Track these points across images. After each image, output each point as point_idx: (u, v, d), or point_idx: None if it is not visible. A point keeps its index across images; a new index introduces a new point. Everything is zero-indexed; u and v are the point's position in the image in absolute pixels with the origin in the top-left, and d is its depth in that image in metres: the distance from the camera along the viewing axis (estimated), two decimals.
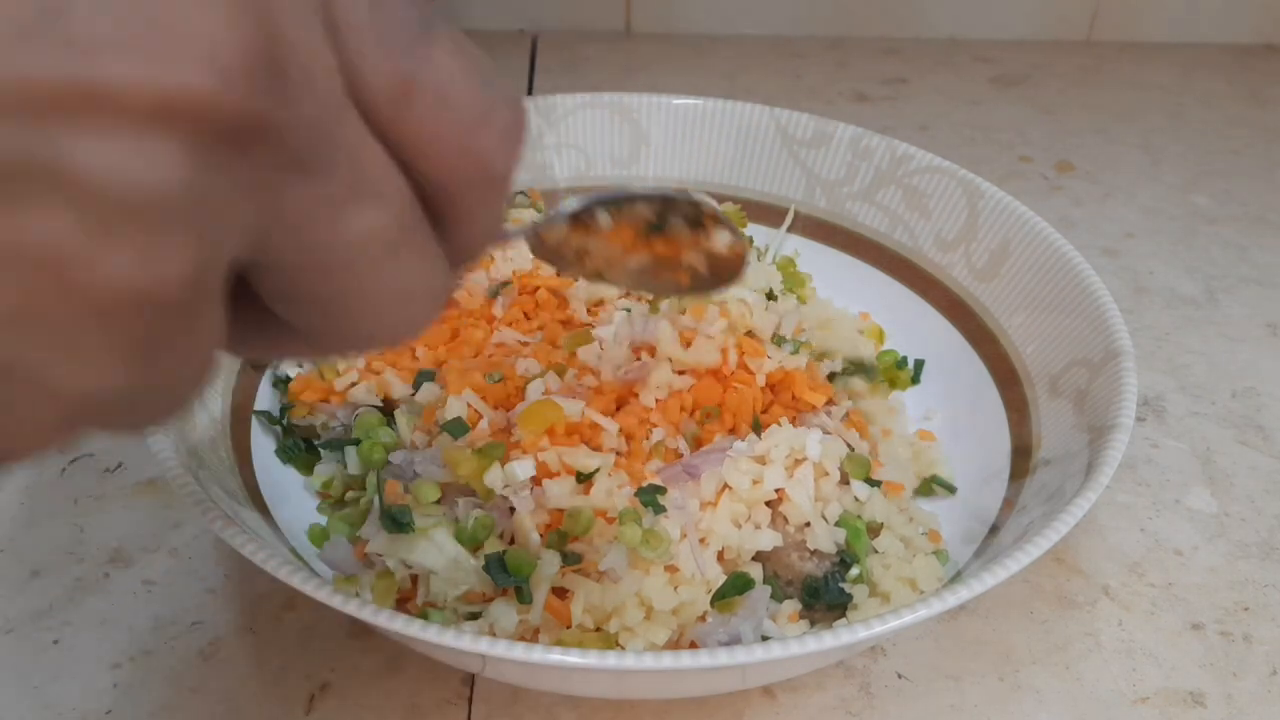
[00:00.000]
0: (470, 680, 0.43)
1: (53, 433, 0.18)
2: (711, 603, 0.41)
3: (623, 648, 0.39)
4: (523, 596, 0.40)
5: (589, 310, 0.52)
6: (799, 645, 0.34)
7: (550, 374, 0.47)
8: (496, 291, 0.53)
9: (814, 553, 0.43)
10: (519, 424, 0.43)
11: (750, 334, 0.49)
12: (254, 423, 0.49)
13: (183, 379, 0.19)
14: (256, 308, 0.21)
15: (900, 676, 0.44)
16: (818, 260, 0.60)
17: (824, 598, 0.43)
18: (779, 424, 0.46)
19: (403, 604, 0.42)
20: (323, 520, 0.47)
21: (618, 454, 0.44)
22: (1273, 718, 0.43)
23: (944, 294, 0.56)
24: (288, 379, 0.51)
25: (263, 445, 0.49)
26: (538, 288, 0.53)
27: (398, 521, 0.41)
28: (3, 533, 0.49)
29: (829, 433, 0.46)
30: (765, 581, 0.42)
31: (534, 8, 0.95)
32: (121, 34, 0.16)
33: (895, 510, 0.46)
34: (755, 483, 0.42)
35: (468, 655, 0.35)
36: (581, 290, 0.53)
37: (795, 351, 0.50)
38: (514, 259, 0.54)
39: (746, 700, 0.43)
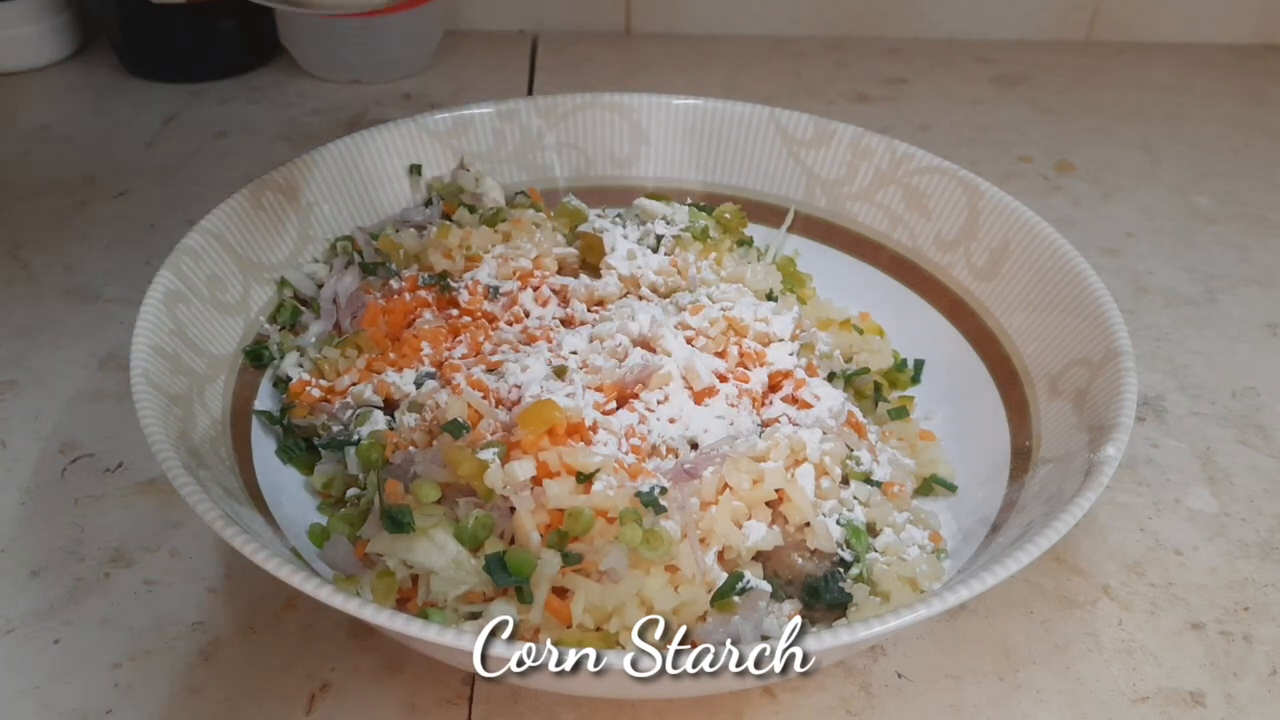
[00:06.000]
0: (470, 680, 0.43)
1: None
2: (711, 603, 0.41)
3: (623, 648, 0.39)
4: (523, 596, 0.40)
5: (589, 309, 0.52)
6: (800, 645, 0.34)
7: (550, 374, 0.47)
8: (496, 291, 0.53)
9: (814, 553, 0.43)
10: (519, 424, 0.43)
11: (749, 335, 0.49)
12: (254, 423, 0.49)
13: None
14: None
15: (900, 676, 0.44)
16: (818, 260, 0.60)
17: (824, 598, 0.43)
18: (779, 424, 0.46)
19: (403, 604, 0.42)
20: (323, 520, 0.47)
21: (618, 454, 0.44)
22: (1273, 718, 0.43)
23: (944, 294, 0.56)
24: (288, 379, 0.51)
25: (263, 445, 0.49)
26: (538, 287, 0.53)
27: (398, 521, 0.41)
28: (3, 533, 0.49)
29: (829, 433, 0.46)
30: (765, 581, 0.42)
31: (534, 8, 0.95)
32: None
33: (895, 510, 0.46)
34: (755, 483, 0.42)
35: (468, 655, 0.35)
36: (581, 290, 0.53)
37: (795, 352, 0.50)
38: (514, 258, 0.54)
39: (746, 700, 0.43)
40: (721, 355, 0.48)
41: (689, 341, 0.48)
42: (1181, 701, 0.44)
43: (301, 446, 0.50)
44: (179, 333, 0.47)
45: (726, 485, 0.43)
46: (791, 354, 0.49)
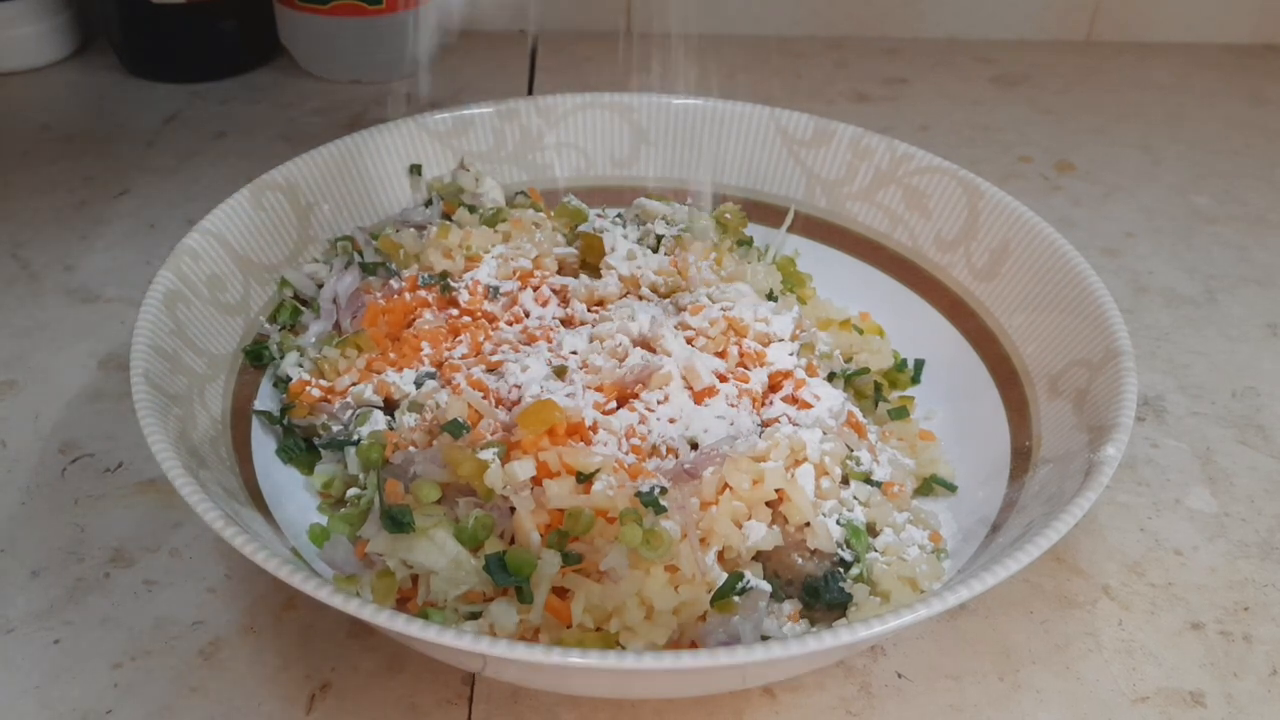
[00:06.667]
0: (470, 680, 0.43)
1: None
2: (711, 603, 0.41)
3: (623, 648, 0.39)
4: (523, 596, 0.40)
5: (589, 309, 0.52)
6: (799, 645, 0.34)
7: (550, 374, 0.47)
8: (496, 291, 0.53)
9: (814, 553, 0.43)
10: (519, 424, 0.43)
11: (749, 335, 0.49)
12: (254, 422, 0.49)
13: None
14: None
15: (900, 676, 0.44)
16: (818, 260, 0.60)
17: (824, 598, 0.43)
18: (779, 424, 0.46)
19: (403, 604, 0.42)
20: (323, 520, 0.47)
21: (618, 454, 0.44)
22: (1273, 718, 0.43)
23: (944, 294, 0.56)
24: (288, 379, 0.51)
25: (263, 445, 0.49)
26: (538, 287, 0.53)
27: (398, 521, 0.41)
28: (3, 533, 0.49)
29: (829, 433, 0.46)
30: (765, 581, 0.42)
31: (534, 8, 0.95)
32: None
33: (895, 510, 0.46)
34: (755, 483, 0.42)
35: (468, 655, 0.35)
36: (581, 290, 0.53)
37: (795, 352, 0.50)
38: (514, 258, 0.54)
39: (746, 700, 0.43)
40: (721, 355, 0.48)
41: (689, 341, 0.48)
42: (1181, 701, 0.44)
43: (301, 446, 0.50)
44: (179, 332, 0.47)
45: (726, 485, 0.43)
46: (791, 354, 0.49)
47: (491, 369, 0.48)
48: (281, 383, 0.51)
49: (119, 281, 0.64)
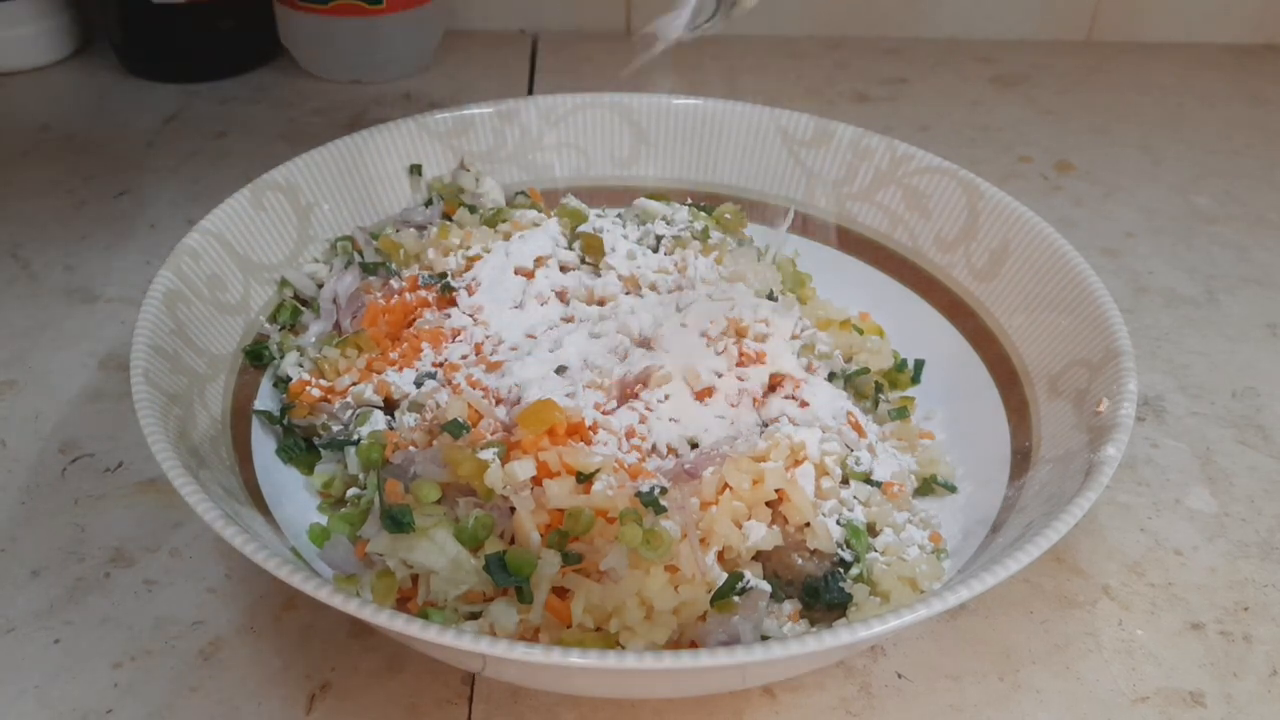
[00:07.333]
0: (470, 680, 0.43)
1: None
2: (711, 603, 0.41)
3: (623, 647, 0.39)
4: (523, 596, 0.40)
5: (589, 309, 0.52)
6: (799, 645, 0.34)
7: (550, 374, 0.47)
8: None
9: (814, 553, 0.43)
10: (519, 424, 0.43)
11: (749, 335, 0.49)
12: (254, 422, 0.49)
13: None
14: None
15: (900, 676, 0.44)
16: (818, 260, 0.60)
17: (824, 598, 0.43)
18: (779, 423, 0.46)
19: (403, 604, 0.42)
20: (323, 520, 0.47)
21: (618, 454, 0.44)
22: (1273, 718, 0.43)
23: (944, 294, 0.56)
24: (288, 379, 0.51)
25: (263, 445, 0.49)
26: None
27: (398, 521, 0.41)
28: (3, 533, 0.49)
29: (829, 433, 0.46)
30: (765, 581, 0.42)
31: (534, 8, 0.95)
32: None
33: (895, 510, 0.46)
34: (755, 483, 0.42)
35: (468, 655, 0.35)
36: (581, 290, 0.53)
37: (796, 352, 0.50)
38: (514, 256, 0.54)
39: (746, 700, 0.43)
40: (721, 355, 0.48)
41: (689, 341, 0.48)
42: (1181, 701, 0.44)
43: (301, 446, 0.50)
44: (179, 332, 0.47)
45: (726, 485, 0.43)
46: (792, 354, 0.49)
47: (491, 369, 0.48)
48: (281, 383, 0.51)
49: (119, 281, 0.64)
